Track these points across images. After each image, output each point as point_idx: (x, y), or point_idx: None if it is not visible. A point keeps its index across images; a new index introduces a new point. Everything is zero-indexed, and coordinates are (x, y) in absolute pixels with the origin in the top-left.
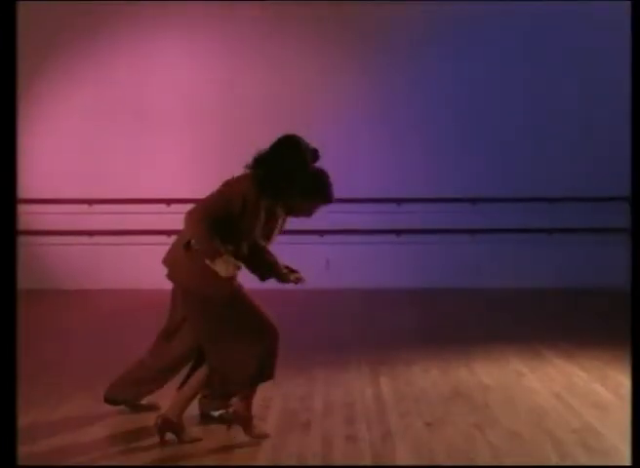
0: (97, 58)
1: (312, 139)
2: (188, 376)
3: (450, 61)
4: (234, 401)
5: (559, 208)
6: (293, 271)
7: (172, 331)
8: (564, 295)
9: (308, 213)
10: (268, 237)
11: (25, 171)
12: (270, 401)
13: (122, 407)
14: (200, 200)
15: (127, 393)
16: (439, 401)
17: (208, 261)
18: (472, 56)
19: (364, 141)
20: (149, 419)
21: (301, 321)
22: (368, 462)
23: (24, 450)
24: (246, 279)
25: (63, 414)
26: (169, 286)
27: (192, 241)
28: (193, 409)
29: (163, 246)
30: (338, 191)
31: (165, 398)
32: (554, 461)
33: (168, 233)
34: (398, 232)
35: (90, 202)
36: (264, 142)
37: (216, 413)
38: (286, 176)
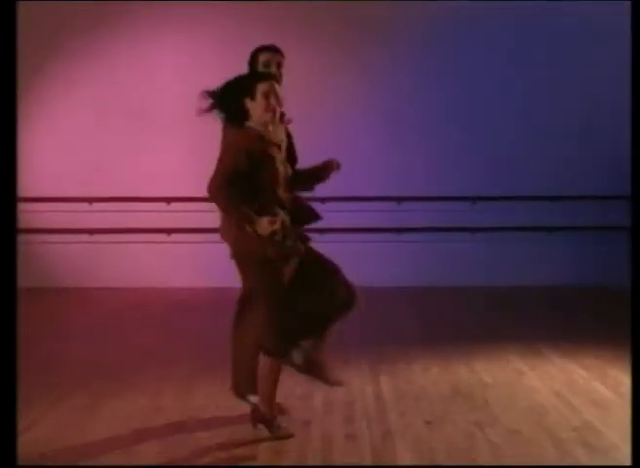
0: (97, 57)
1: (312, 138)
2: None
3: (450, 61)
4: (255, 400)
5: (559, 206)
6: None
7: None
8: (564, 294)
9: (266, 103)
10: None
11: (25, 169)
12: None
13: (120, 406)
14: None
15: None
16: (439, 399)
17: (247, 226)
18: (473, 55)
19: (364, 140)
20: (150, 418)
21: None
22: (368, 461)
23: (24, 450)
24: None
25: (63, 413)
26: (169, 284)
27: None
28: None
29: (163, 244)
30: (338, 190)
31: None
32: (554, 459)
33: (168, 231)
34: (398, 230)
35: (90, 200)
36: None
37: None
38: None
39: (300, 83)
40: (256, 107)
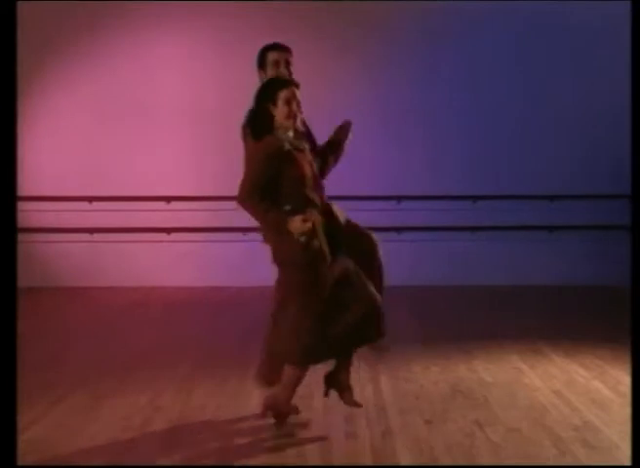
0: (97, 57)
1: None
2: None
3: (451, 60)
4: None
5: (560, 205)
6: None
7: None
8: (564, 293)
9: (288, 109)
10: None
11: (26, 168)
12: None
13: (120, 406)
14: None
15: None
16: (439, 398)
17: (282, 229)
18: (473, 54)
19: (364, 139)
20: (150, 418)
21: None
22: (368, 460)
23: (24, 450)
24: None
25: (63, 413)
26: (169, 283)
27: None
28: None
29: (163, 243)
30: (338, 189)
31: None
32: (554, 458)
33: (168, 230)
34: (399, 229)
35: (90, 199)
36: None
37: None
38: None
39: (300, 82)
40: (277, 114)
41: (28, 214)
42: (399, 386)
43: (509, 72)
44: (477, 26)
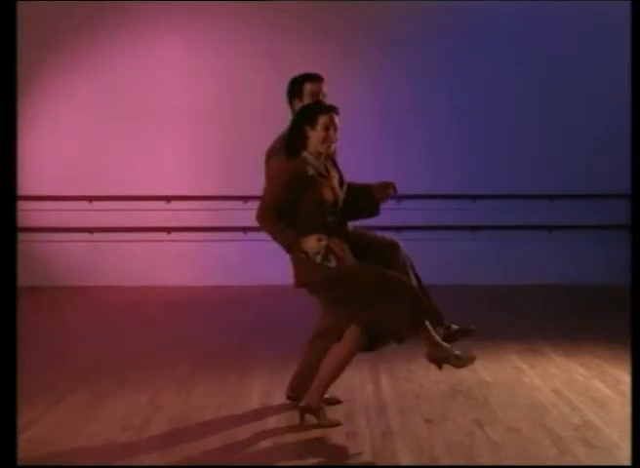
0: (97, 57)
1: None
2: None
3: (451, 60)
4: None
5: (560, 205)
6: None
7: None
8: (564, 292)
9: (325, 135)
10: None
11: (26, 168)
12: (270, 397)
13: (120, 405)
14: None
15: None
16: (439, 398)
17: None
18: (473, 54)
19: (364, 138)
20: (150, 418)
21: (302, 318)
22: (368, 459)
23: (24, 449)
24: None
25: (63, 413)
26: (169, 282)
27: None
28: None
29: (163, 243)
30: None
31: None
32: (554, 458)
33: (168, 230)
34: (398, 229)
35: (90, 199)
36: (264, 140)
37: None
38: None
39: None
40: (313, 137)
41: (28, 213)
42: (399, 386)
43: (509, 72)
44: (477, 26)
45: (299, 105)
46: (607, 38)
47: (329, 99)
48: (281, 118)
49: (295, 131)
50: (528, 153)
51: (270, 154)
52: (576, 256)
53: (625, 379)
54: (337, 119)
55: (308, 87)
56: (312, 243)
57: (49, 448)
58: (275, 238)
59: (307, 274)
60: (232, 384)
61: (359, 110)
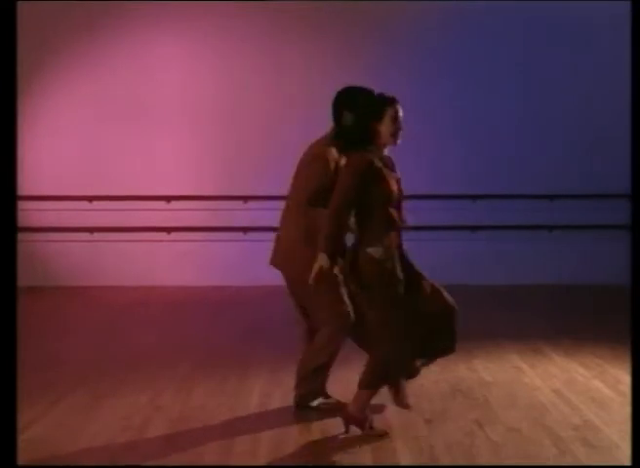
0: (97, 57)
1: (312, 137)
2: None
3: (451, 59)
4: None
5: (560, 204)
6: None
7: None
8: (564, 292)
9: (396, 128)
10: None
11: (26, 168)
12: (270, 398)
13: (120, 405)
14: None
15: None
16: (439, 398)
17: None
18: (473, 54)
19: None
20: (150, 418)
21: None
22: (368, 460)
23: (24, 449)
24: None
25: (63, 412)
26: (169, 282)
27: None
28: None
29: (163, 243)
30: None
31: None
32: (554, 458)
33: (168, 230)
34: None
35: (90, 199)
36: (264, 140)
37: (314, 403)
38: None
39: (301, 82)
40: (383, 130)
41: (29, 213)
42: None
43: (509, 72)
44: (477, 26)
45: (349, 118)
46: (607, 38)
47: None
48: (281, 118)
49: (360, 127)
50: (528, 153)
51: (321, 148)
52: (576, 256)
53: (625, 379)
54: (400, 110)
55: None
56: (379, 253)
57: (49, 448)
58: (336, 232)
59: (368, 274)
60: (232, 384)
61: None
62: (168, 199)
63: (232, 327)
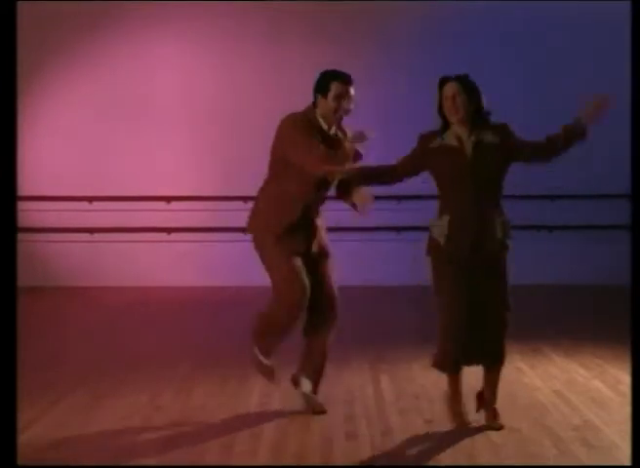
0: (97, 57)
1: None
2: None
3: (450, 59)
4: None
5: (560, 205)
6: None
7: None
8: (564, 292)
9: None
10: None
11: (26, 168)
12: (270, 398)
13: (120, 405)
14: None
15: None
16: (439, 398)
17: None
18: (473, 54)
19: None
20: (150, 418)
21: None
22: (368, 459)
23: (24, 449)
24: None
25: (63, 412)
26: (169, 283)
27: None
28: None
29: (163, 243)
30: None
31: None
32: (554, 458)
33: (168, 230)
34: (398, 229)
35: (90, 199)
36: (263, 140)
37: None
38: None
39: (301, 82)
40: (322, 104)
41: (28, 213)
42: (399, 386)
43: (509, 72)
44: (477, 26)
45: (322, 103)
46: (607, 38)
47: None
48: (281, 117)
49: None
50: None
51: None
52: (576, 256)
53: (625, 379)
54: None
55: (334, 88)
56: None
57: (49, 448)
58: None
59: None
60: (232, 384)
61: (359, 110)
62: (168, 199)
63: (232, 327)
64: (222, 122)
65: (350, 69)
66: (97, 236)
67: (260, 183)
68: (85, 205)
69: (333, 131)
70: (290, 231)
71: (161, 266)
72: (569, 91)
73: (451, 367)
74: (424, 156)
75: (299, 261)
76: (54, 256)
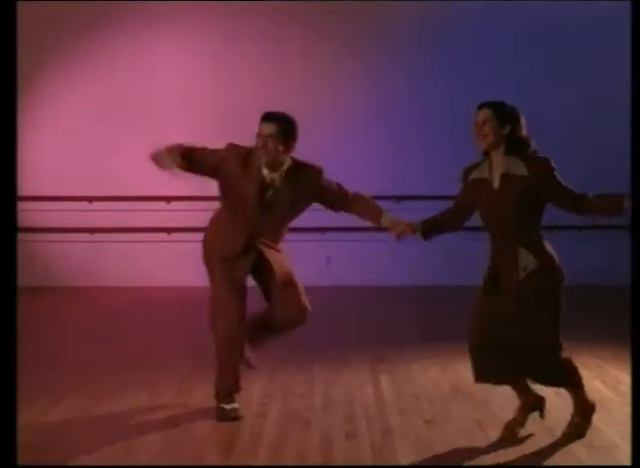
0: (97, 57)
1: (312, 137)
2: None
3: (450, 60)
4: None
5: None
6: None
7: None
8: (564, 292)
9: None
10: None
11: (26, 168)
12: (270, 398)
13: (120, 405)
14: None
15: None
16: (439, 398)
17: None
18: (473, 54)
19: (363, 139)
20: (150, 417)
21: None
22: (368, 460)
23: (24, 449)
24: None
25: (63, 412)
26: (169, 283)
27: None
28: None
29: (163, 243)
30: None
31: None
32: (554, 458)
33: (168, 230)
34: None
35: (90, 199)
36: None
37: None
38: None
39: (301, 82)
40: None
41: (28, 213)
42: (399, 386)
43: (509, 72)
44: (478, 27)
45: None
46: (607, 38)
47: (328, 99)
48: None
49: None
50: None
51: None
52: (576, 256)
53: (626, 380)
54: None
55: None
56: None
57: (49, 448)
58: None
59: None
60: None
61: (359, 110)
62: (168, 199)
63: None
64: (222, 122)
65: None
66: (97, 236)
67: None
68: (85, 205)
69: (267, 175)
70: (231, 257)
71: (161, 266)
72: (569, 91)
73: (475, 377)
74: (467, 190)
75: (238, 283)
76: (54, 256)
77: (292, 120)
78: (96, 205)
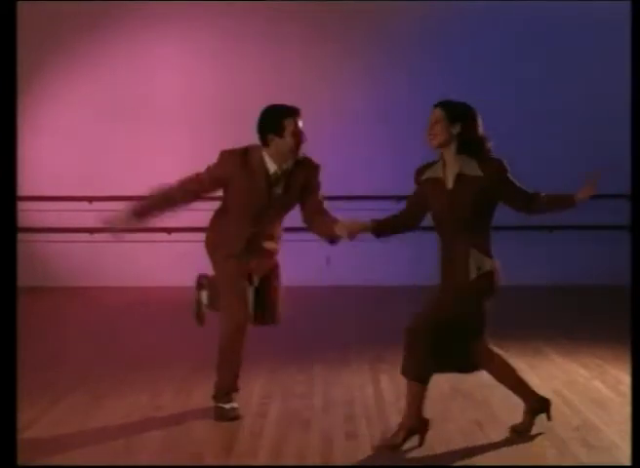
0: (97, 57)
1: (311, 137)
2: None
3: (450, 60)
4: None
5: None
6: None
7: None
8: (564, 292)
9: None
10: None
11: (26, 168)
12: (270, 398)
13: (120, 405)
14: None
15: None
16: (439, 398)
17: None
18: (472, 54)
19: (363, 139)
20: (150, 418)
21: (302, 318)
22: (368, 460)
23: (24, 449)
24: None
25: (63, 412)
26: (169, 283)
27: None
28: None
29: (163, 243)
30: (338, 189)
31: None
32: (554, 458)
33: (168, 231)
34: None
35: (90, 199)
36: None
37: (227, 406)
38: None
39: (301, 82)
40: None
41: (28, 213)
42: (399, 386)
43: (509, 72)
44: (477, 27)
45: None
46: (607, 38)
47: (328, 99)
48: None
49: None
50: (528, 153)
51: None
52: (576, 256)
53: (626, 380)
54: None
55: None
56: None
57: (49, 448)
58: None
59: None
60: None
61: (359, 110)
62: None
63: None
64: (222, 122)
65: (350, 69)
66: (97, 236)
67: None
68: (85, 205)
69: (273, 170)
70: (235, 254)
71: (161, 266)
72: (569, 91)
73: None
74: (420, 190)
75: (243, 283)
76: (54, 256)
77: None
78: (96, 205)
